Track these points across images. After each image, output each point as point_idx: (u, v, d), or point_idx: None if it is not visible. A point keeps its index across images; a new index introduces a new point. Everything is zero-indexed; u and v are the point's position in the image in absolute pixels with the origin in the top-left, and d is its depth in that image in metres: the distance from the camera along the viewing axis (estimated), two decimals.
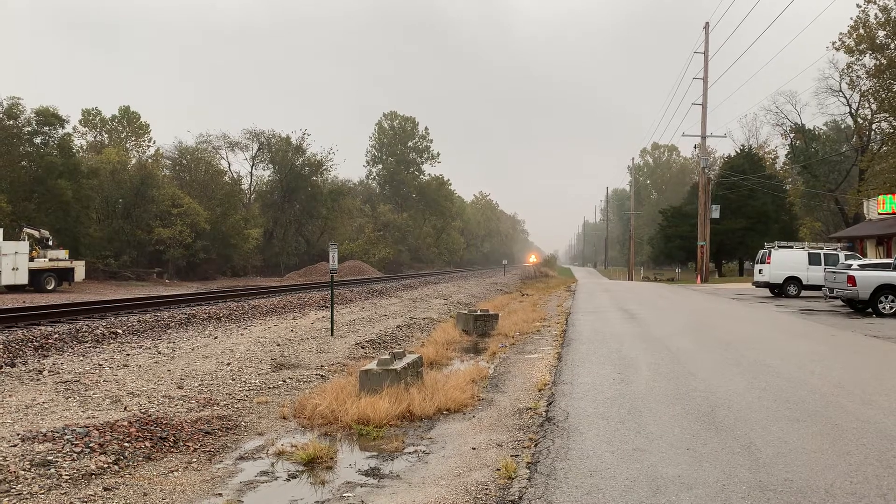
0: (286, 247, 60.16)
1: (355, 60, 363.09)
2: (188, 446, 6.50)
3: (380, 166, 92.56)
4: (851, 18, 44.77)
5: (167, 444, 6.43)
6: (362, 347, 13.26)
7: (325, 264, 54.49)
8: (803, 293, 27.00)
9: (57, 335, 13.39)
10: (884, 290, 18.12)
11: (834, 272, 20.34)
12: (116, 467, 5.73)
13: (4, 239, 28.44)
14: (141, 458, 6.03)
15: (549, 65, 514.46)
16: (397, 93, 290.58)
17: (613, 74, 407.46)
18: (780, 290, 27.30)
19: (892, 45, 43.29)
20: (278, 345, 12.87)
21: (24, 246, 29.12)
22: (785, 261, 27.36)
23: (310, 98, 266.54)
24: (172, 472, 5.80)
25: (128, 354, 11.57)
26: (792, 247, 28.55)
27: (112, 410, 7.49)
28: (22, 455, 5.63)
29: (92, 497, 5.07)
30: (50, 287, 29.99)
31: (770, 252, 27.70)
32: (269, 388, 9.36)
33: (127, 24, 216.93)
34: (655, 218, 75.22)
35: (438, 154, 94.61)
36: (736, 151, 61.58)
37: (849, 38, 45.00)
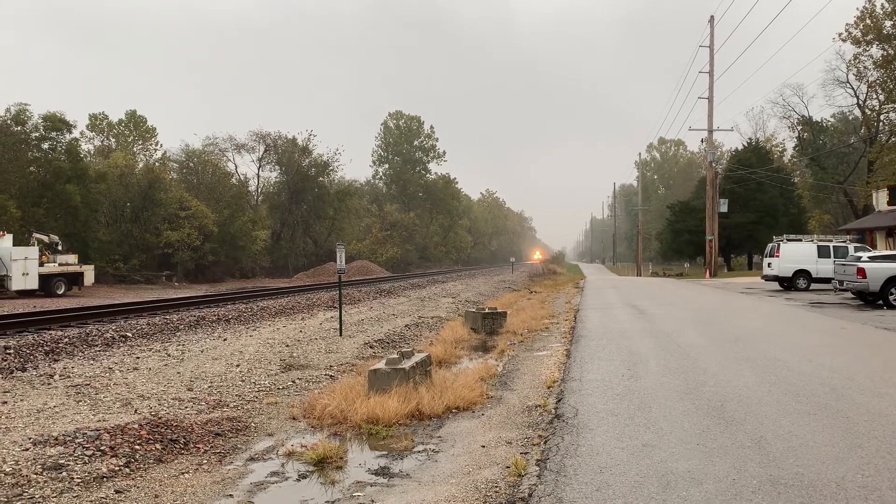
0: (294, 248, 60.32)
1: (359, 60, 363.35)
2: (199, 448, 6.53)
3: (386, 166, 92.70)
4: (858, 9, 44.64)
5: (178, 447, 6.46)
6: (371, 347, 13.28)
7: (333, 265, 54.33)
8: (813, 286, 26.84)
9: (67, 339, 13.47)
10: (894, 281, 17.99)
11: (843, 264, 20.20)
12: (127, 470, 5.77)
13: (14, 244, 28.67)
14: (152, 461, 6.06)
15: (555, 60, 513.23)
16: (402, 92, 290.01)
17: (619, 69, 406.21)
18: (790, 283, 27.15)
19: None
20: (287, 346, 12.91)
21: (33, 251, 29.33)
22: (794, 254, 27.19)
23: (315, 99, 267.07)
24: (183, 473, 5.83)
25: (138, 357, 11.63)
26: (801, 240, 28.31)
27: (122, 413, 7.53)
28: (34, 459, 5.67)
29: (104, 500, 5.10)
30: (60, 291, 30.20)
31: (779, 245, 27.53)
32: (279, 388, 9.39)
33: (129, 26, 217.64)
34: (663, 213, 74.96)
35: (444, 153, 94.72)
36: (743, 145, 61.35)
37: (855, 28, 44.78)
